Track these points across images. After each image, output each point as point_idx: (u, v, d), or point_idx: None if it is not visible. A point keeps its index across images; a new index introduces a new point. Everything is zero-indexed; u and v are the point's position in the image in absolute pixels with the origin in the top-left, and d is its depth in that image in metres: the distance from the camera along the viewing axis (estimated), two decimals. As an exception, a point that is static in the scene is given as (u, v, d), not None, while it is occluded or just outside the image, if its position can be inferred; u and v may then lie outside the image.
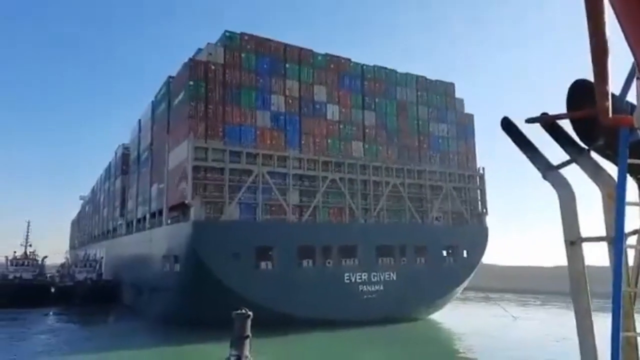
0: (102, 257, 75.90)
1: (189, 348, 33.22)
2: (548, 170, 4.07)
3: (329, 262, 44.37)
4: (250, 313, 11.49)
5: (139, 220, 59.21)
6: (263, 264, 40.99)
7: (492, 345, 36.35)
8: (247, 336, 10.65)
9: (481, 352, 35.13)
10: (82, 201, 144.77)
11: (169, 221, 45.50)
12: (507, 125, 4.29)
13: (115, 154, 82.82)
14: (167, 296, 43.84)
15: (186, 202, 39.71)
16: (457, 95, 58.45)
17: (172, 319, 42.33)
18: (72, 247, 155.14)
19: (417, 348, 36.49)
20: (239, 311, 11.86)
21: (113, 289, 63.40)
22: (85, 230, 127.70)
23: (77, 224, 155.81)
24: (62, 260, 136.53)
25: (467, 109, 58.97)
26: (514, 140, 4.22)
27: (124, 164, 73.44)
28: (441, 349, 38.24)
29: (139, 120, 63.94)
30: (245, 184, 41.84)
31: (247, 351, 10.54)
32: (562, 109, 3.96)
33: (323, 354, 34.03)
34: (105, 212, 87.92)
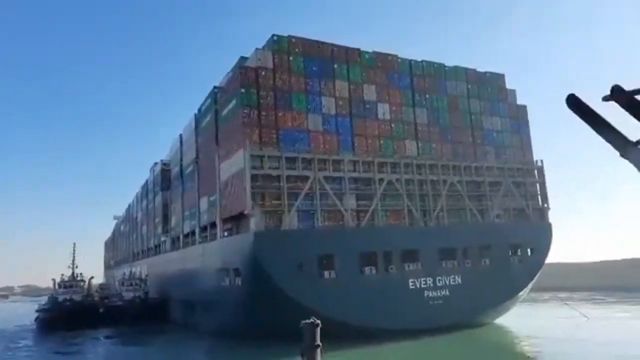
0: (147, 275, 75.27)
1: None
2: (626, 147, 3.78)
3: (391, 268, 42.22)
4: (319, 322, 10.22)
5: (186, 235, 58.25)
6: (326, 273, 39.12)
7: (573, 350, 33.09)
8: (318, 345, 10.15)
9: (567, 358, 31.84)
10: (116, 221, 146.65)
11: (225, 234, 44.16)
12: (575, 103, 3.98)
13: (152, 171, 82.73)
14: (226, 310, 42.40)
15: (245, 212, 38.26)
16: (508, 86, 55.87)
17: (232, 333, 40.89)
18: (108, 267, 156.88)
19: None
20: (308, 320, 10.70)
21: (161, 306, 62.47)
22: (121, 249, 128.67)
23: (111, 243, 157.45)
24: (101, 281, 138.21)
25: (519, 100, 56.30)
26: (585, 119, 3.92)
27: (164, 180, 73.02)
28: (516, 357, 35.25)
29: (180, 135, 63.37)
30: (302, 190, 40.20)
31: None
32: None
33: None
34: (145, 230, 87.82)
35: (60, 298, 63.58)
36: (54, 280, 70.75)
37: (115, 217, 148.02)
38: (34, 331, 59.68)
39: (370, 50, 47.62)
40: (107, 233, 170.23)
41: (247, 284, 38.42)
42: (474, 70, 53.68)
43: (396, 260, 42.29)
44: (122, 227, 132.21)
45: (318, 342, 10.40)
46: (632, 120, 3.79)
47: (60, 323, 55.73)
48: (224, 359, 34.52)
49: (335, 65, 44.66)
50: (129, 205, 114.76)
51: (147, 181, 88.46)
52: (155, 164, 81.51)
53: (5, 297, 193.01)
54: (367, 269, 41.12)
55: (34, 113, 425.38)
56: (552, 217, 53.68)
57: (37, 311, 64.15)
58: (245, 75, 40.55)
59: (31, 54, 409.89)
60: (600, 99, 3.83)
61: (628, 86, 3.77)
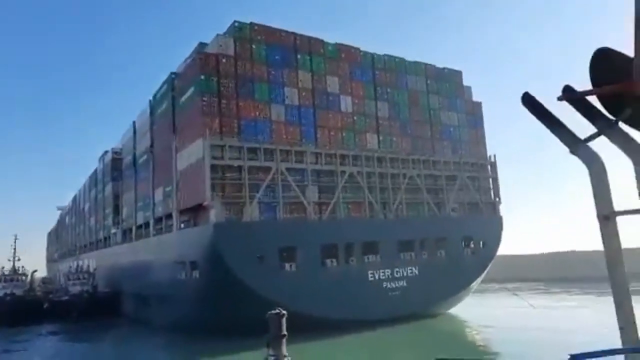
0: (95, 269, 71.85)
1: (221, 355, 30.80)
2: (576, 144, 4.01)
3: (352, 260, 42.54)
4: (285, 312, 10.94)
5: (139, 227, 55.93)
6: (287, 266, 38.82)
7: (521, 337, 34.62)
8: (284, 335, 10.47)
9: (519, 345, 33.29)
10: (60, 212, 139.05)
11: (181, 226, 42.72)
12: (530, 101, 4.20)
13: (102, 160, 78.73)
14: (181, 304, 41.17)
15: (205, 204, 37.12)
16: (465, 83, 57.45)
17: (188, 327, 39.79)
18: (51, 260, 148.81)
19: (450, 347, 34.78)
20: (273, 311, 11.22)
21: (112, 300, 59.88)
22: (66, 241, 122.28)
23: (55, 235, 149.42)
24: (44, 274, 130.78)
25: (475, 97, 58.06)
26: (538, 116, 4.14)
27: (115, 169, 69.69)
28: (472, 345, 36.61)
29: (133, 122, 60.52)
30: (264, 182, 39.53)
31: (284, 350, 10.36)
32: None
33: (356, 355, 32.18)
34: (93, 221, 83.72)
35: (1, 293, 59.53)
36: (-7, 274, 66.21)
37: (59, 208, 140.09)
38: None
39: (333, 42, 47.36)
40: (50, 225, 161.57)
41: (205, 277, 37.41)
42: (433, 65, 54.71)
43: (357, 252, 42.64)
44: (67, 219, 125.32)
45: (284, 331, 10.63)
46: (582, 119, 4.04)
47: (1, 319, 52.28)
48: (181, 353, 33.39)
49: (299, 55, 44.04)
50: (75, 196, 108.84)
51: (96, 170, 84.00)
52: (106, 152, 77.52)
53: None
54: (328, 261, 41.21)
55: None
56: (504, 210, 56.11)
57: (-27, 307, 59.71)
58: (205, 61, 39.11)
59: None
60: (556, 98, 4.02)
61: (581, 85, 4.00)
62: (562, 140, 4.09)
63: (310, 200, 41.89)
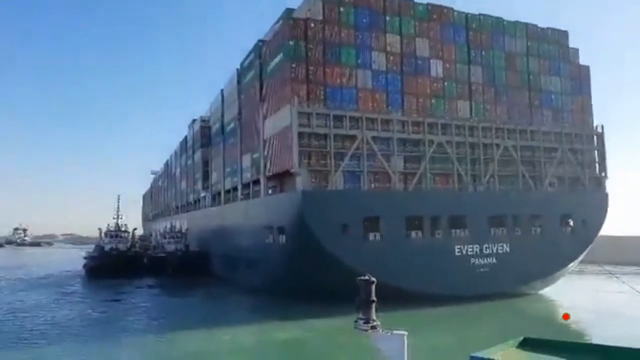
0: (186, 229, 76.99)
1: (311, 318, 31.48)
2: None
3: (438, 234, 40.96)
4: (374, 279, 10.48)
5: (227, 191, 58.41)
6: (371, 235, 38.30)
7: (620, 326, 31.23)
8: (373, 301, 10.27)
9: (616, 331, 30.01)
10: (153, 175, 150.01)
11: (269, 191, 43.70)
12: None
13: (192, 127, 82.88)
14: (268, 267, 42.56)
15: (292, 171, 37.37)
16: (571, 44, 51.55)
17: (274, 290, 41.13)
18: (146, 219, 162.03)
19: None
20: (363, 277, 10.80)
21: (202, 259, 63.90)
22: (159, 203, 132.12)
23: (149, 197, 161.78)
24: (140, 232, 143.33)
25: (582, 60, 52.01)
26: None
27: (204, 136, 73.08)
28: (562, 327, 33.80)
29: (221, 91, 62.40)
30: (349, 150, 38.84)
31: (373, 315, 10.18)
32: None
33: (443, 328, 31.13)
34: (184, 185, 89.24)
35: (107, 247, 65.97)
36: (100, 229, 73.50)
37: (152, 172, 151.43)
38: (83, 277, 62.48)
39: (425, 1, 44.39)
40: (144, 187, 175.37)
41: (291, 242, 38.12)
42: (535, 25, 49.54)
43: (443, 226, 40.96)
44: (160, 182, 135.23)
45: (373, 297, 10.55)
46: None
47: (106, 271, 57.94)
48: (273, 316, 34.58)
49: (387, 17, 41.87)
50: (167, 161, 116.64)
51: (186, 137, 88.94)
52: (194, 120, 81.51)
53: (51, 243, 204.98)
54: (413, 233, 40.06)
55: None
56: (610, 187, 50.66)
57: (84, 258, 66.95)
58: (294, 26, 38.50)
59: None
60: None
61: None
62: None
63: (395, 170, 40.62)
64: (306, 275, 35.87)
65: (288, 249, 38.56)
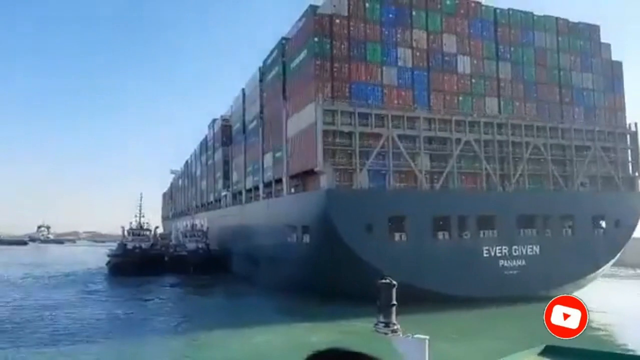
0: (207, 228, 77.15)
1: (334, 319, 30.80)
2: None
3: (466, 235, 39.88)
4: (395, 283, 10.72)
5: (248, 190, 58.19)
6: (397, 236, 37.47)
7: None
8: (394, 304, 10.49)
9: None
10: (173, 175, 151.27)
11: (292, 190, 43.23)
12: None
13: (212, 127, 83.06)
14: (291, 266, 42.04)
15: (316, 169, 36.82)
16: (603, 39, 49.77)
17: (296, 290, 40.58)
18: (166, 218, 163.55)
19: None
20: (384, 280, 11.11)
21: (223, 258, 63.81)
22: (179, 202, 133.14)
23: (169, 196, 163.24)
24: (160, 231, 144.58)
25: (615, 56, 50.20)
26: None
27: (224, 135, 73.09)
28: (590, 334, 32.35)
29: (243, 90, 62.25)
30: (374, 149, 38.08)
31: (394, 319, 10.33)
32: None
33: (465, 332, 30.10)
34: (204, 184, 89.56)
35: (130, 245, 66.45)
36: (122, 228, 74.02)
37: (172, 171, 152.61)
38: (106, 275, 63.06)
39: (452, -4, 43.31)
40: (164, 186, 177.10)
41: (315, 241, 37.56)
42: (566, 20, 47.98)
43: (471, 226, 39.86)
44: (180, 181, 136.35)
45: (394, 301, 10.76)
46: None
47: (129, 269, 58.32)
48: (296, 315, 34.03)
49: (414, 13, 40.98)
50: (187, 161, 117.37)
51: (206, 137, 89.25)
52: (214, 120, 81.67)
53: (73, 241, 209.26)
54: (440, 234, 39.10)
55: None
56: (644, 187, 48.66)
57: (108, 256, 67.59)
58: (319, 22, 37.95)
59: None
60: None
61: None
62: None
63: (421, 169, 39.71)
64: (330, 275, 35.25)
65: (312, 248, 38.00)
